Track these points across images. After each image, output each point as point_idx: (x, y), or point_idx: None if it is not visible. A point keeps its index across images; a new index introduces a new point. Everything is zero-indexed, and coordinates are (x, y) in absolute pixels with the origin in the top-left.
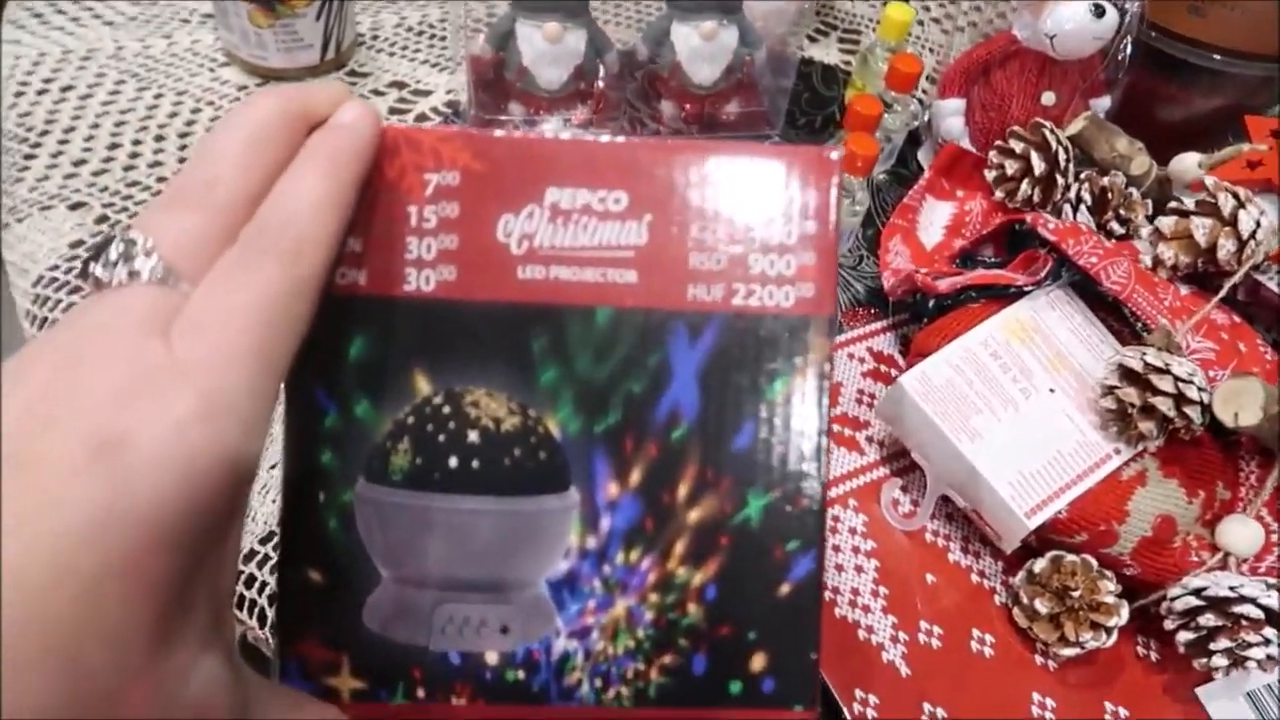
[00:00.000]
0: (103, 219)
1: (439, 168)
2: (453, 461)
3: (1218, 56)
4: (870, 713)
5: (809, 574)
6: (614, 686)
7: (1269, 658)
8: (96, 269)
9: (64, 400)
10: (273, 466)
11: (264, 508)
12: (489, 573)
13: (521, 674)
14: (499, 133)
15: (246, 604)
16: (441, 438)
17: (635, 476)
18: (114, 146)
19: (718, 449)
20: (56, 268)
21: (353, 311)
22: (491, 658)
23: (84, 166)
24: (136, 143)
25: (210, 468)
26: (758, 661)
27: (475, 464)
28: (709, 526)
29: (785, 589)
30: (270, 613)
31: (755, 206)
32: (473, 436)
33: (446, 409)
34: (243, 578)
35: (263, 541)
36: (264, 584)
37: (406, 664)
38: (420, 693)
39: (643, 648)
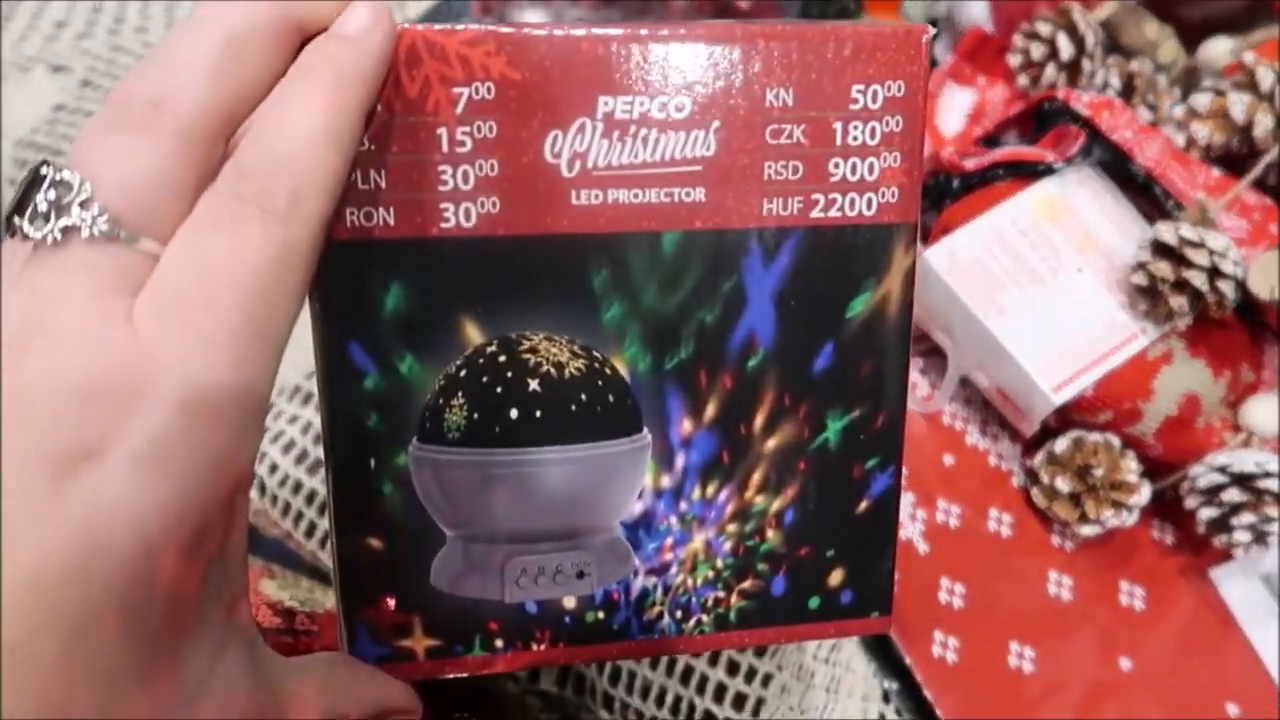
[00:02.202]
0: (86, 83)
1: (469, 79)
2: (514, 413)
3: None
4: None
5: (887, 489)
6: (694, 616)
7: None
8: (23, 224)
9: (11, 412)
10: None
11: None
12: (561, 522)
13: (601, 614)
14: (537, 33)
15: None
16: (499, 389)
17: (710, 411)
18: (97, 10)
19: (796, 374)
20: (37, 130)
21: (384, 258)
22: (569, 602)
23: (65, 29)
24: (121, 5)
25: (199, 482)
26: (836, 577)
27: (539, 414)
28: (787, 453)
29: (863, 506)
30: (270, 483)
31: (834, 100)
32: (534, 385)
33: (502, 358)
34: None
35: None
36: (263, 454)
37: (481, 618)
38: (499, 643)
39: (722, 576)
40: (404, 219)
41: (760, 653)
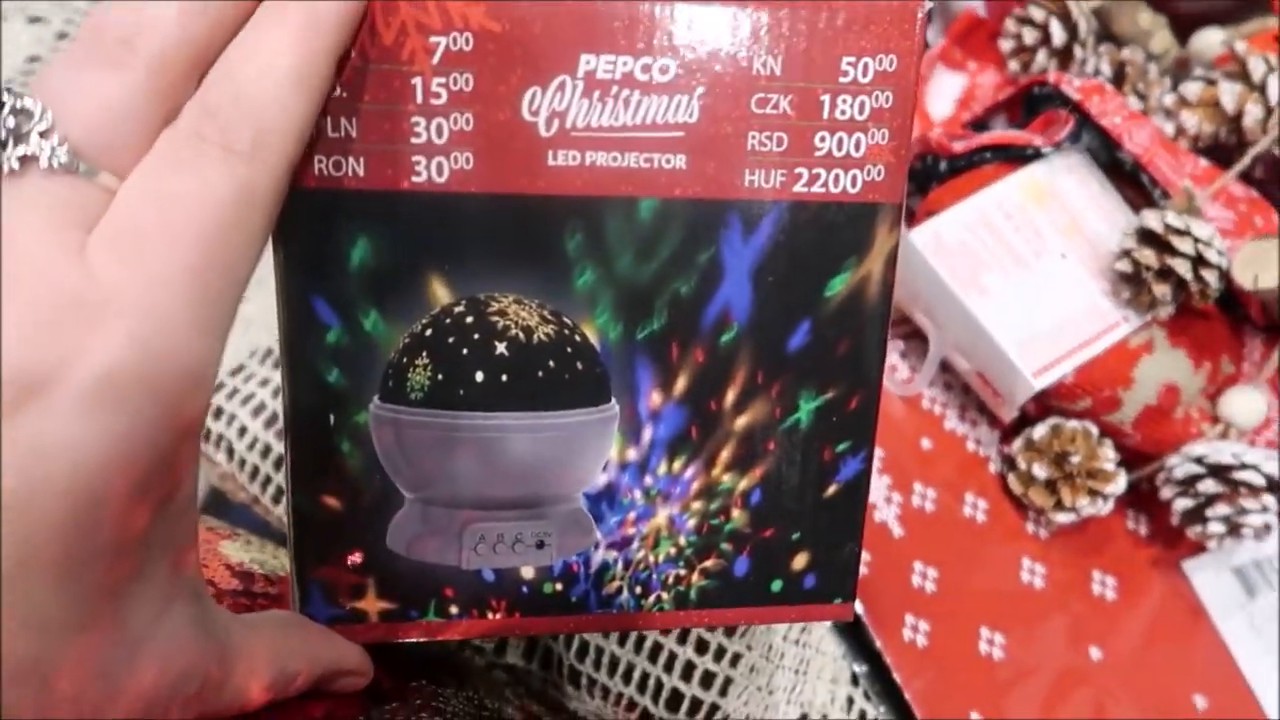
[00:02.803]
0: (63, 35)
1: (447, 28)
2: (479, 376)
3: None
4: (862, 569)
5: (857, 474)
6: (654, 592)
7: (1265, 526)
8: None
9: None
10: None
11: (233, 343)
12: (523, 490)
13: (559, 586)
14: None
15: (214, 439)
16: (465, 351)
17: (680, 385)
18: None
19: (770, 352)
20: (12, 81)
21: (352, 209)
22: (528, 572)
23: None
24: None
25: (148, 424)
26: (800, 560)
27: (505, 378)
28: (756, 432)
29: (832, 489)
30: (239, 446)
31: (823, 71)
32: (501, 348)
33: (469, 319)
34: (210, 410)
35: (232, 374)
36: (232, 416)
37: (437, 583)
38: (454, 610)
39: (684, 554)
40: (374, 170)
41: (730, 632)
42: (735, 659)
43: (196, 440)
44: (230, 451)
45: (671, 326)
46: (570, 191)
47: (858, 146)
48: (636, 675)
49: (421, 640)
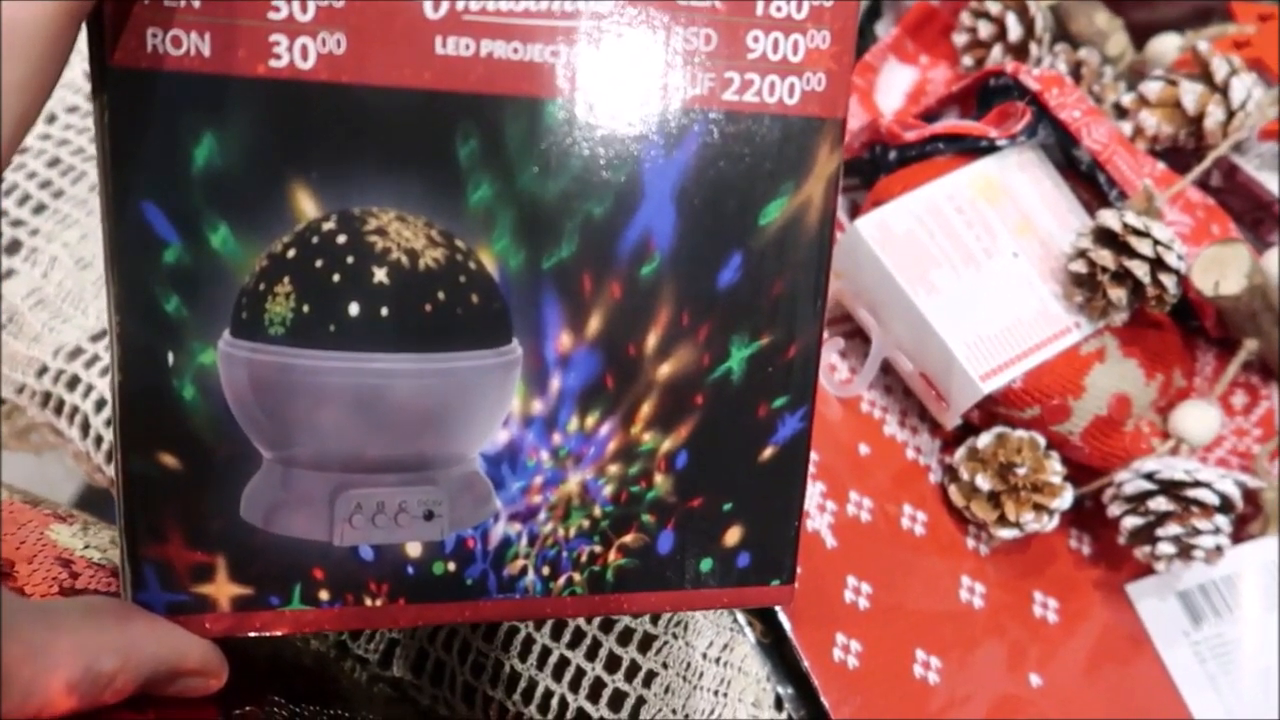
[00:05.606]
0: None
1: None
2: (354, 309)
3: None
4: None
5: (796, 434)
6: (565, 573)
7: (1217, 548)
8: None
9: None
10: None
11: (98, 300)
12: (407, 448)
13: (452, 566)
14: None
15: (67, 411)
16: (337, 277)
17: (594, 324)
18: None
19: (696, 288)
20: None
21: (195, 98)
22: (414, 549)
23: None
24: None
25: None
26: (733, 535)
27: (385, 312)
28: (682, 383)
29: (768, 452)
30: (95, 422)
31: None
32: (380, 275)
33: (342, 238)
34: (64, 378)
35: (93, 339)
36: (90, 387)
37: (303, 563)
38: (323, 595)
39: (599, 527)
40: (222, 50)
41: (644, 648)
42: (649, 678)
43: None
44: (85, 427)
45: (583, 255)
46: (463, 88)
47: (795, 50)
48: (539, 694)
49: (284, 634)
